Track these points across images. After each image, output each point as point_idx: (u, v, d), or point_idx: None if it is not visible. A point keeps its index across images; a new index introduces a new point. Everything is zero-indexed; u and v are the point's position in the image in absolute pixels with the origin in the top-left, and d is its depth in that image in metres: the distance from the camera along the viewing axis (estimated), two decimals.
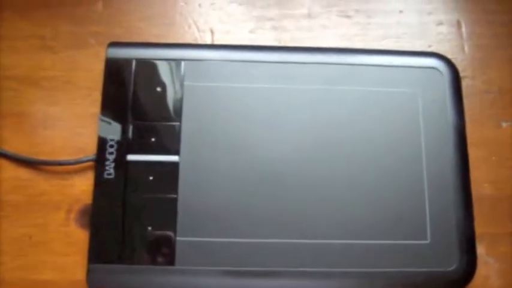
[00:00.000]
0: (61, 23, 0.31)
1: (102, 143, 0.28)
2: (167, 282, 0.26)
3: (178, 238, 0.27)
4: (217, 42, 0.31)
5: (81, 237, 0.28)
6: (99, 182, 0.28)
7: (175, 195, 0.27)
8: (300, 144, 0.28)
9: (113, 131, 0.28)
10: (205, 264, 0.26)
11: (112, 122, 0.28)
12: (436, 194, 0.28)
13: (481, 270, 0.28)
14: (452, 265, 0.27)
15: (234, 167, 0.28)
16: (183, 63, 0.29)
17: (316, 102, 0.29)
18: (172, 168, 0.28)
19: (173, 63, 0.29)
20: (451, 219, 0.28)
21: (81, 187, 0.29)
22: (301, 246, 0.27)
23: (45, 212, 0.28)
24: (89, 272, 0.26)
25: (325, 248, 0.27)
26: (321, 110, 0.29)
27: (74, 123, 0.30)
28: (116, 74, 0.29)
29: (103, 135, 0.28)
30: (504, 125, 0.31)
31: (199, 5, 0.32)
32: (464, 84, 0.31)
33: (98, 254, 0.27)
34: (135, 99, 0.29)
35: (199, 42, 0.31)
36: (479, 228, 0.28)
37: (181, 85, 0.29)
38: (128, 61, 0.29)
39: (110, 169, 0.28)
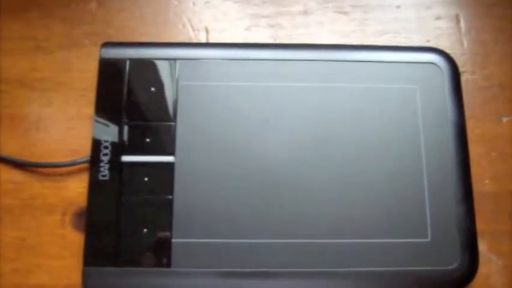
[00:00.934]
0: (54, 24, 0.31)
1: (96, 144, 0.28)
2: (164, 284, 0.26)
3: (174, 240, 0.26)
4: (212, 40, 0.31)
5: (76, 240, 0.28)
6: (94, 184, 0.27)
7: (170, 196, 0.27)
8: (298, 143, 0.28)
9: (107, 132, 0.28)
10: (201, 265, 0.26)
11: (106, 122, 0.28)
12: (436, 191, 0.27)
13: (483, 268, 0.28)
14: (453, 263, 0.27)
15: (230, 167, 0.27)
16: (177, 62, 0.29)
17: (314, 100, 0.29)
18: (168, 169, 0.27)
19: (167, 63, 0.29)
20: (452, 217, 0.27)
21: (76, 189, 0.28)
22: (298, 246, 0.27)
23: (39, 214, 0.28)
24: (84, 275, 0.26)
25: (324, 247, 0.27)
26: (318, 107, 0.29)
27: (67, 125, 0.29)
28: (110, 74, 0.29)
29: (97, 136, 0.28)
30: (504, 119, 0.30)
31: (193, 4, 0.32)
32: (464, 79, 0.30)
33: (93, 256, 0.26)
34: (129, 99, 0.28)
35: (194, 41, 0.31)
36: (480, 226, 0.28)
37: (176, 85, 0.29)
38: (122, 61, 0.29)
39: (104, 170, 0.27)
